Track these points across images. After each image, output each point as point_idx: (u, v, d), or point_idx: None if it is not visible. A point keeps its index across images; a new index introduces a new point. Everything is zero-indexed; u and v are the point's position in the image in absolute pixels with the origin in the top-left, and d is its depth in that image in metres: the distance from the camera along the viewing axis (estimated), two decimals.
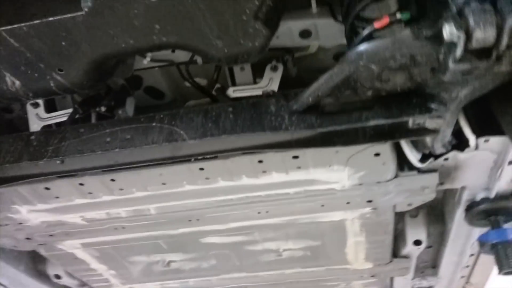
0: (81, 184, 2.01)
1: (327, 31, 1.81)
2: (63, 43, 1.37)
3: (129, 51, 1.40)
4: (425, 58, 1.22)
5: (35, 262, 3.00)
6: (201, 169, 1.92)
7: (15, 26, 1.33)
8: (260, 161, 1.87)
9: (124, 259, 2.72)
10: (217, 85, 1.89)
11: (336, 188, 2.05)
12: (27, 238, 2.43)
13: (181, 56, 1.97)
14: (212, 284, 3.03)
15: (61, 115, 2.02)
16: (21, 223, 2.30)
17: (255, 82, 1.90)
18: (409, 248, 2.60)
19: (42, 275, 3.06)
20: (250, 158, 1.85)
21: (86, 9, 1.28)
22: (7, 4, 1.33)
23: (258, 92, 1.86)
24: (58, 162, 1.75)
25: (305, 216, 2.27)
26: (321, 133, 1.54)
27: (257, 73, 1.93)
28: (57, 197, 2.10)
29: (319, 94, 1.40)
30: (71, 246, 2.54)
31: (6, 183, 1.82)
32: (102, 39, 1.36)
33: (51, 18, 1.31)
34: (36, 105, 2.04)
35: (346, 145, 1.62)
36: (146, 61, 1.89)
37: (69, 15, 1.29)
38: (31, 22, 1.32)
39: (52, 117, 2.02)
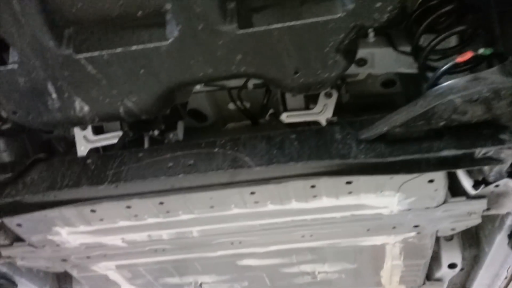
0: (128, 207, 1.99)
1: (382, 60, 1.83)
2: (141, 71, 1.38)
3: (205, 79, 1.41)
4: (509, 93, 1.24)
5: (59, 282, 2.97)
6: (252, 193, 1.91)
7: (96, 53, 1.33)
8: (313, 186, 1.88)
9: (156, 280, 2.69)
10: (271, 111, 1.90)
11: (383, 213, 2.05)
12: (63, 260, 2.40)
13: (232, 81, 1.98)
14: None
15: (109, 138, 2.01)
16: (58, 245, 2.27)
17: (307, 108, 1.91)
18: (443, 271, 2.61)
19: None
20: (304, 183, 1.86)
21: (171, 39, 1.28)
22: (90, 31, 1.33)
23: (312, 118, 1.87)
24: (113, 186, 1.74)
25: (348, 240, 2.27)
26: (387, 162, 1.56)
27: (308, 99, 1.94)
28: (102, 219, 2.08)
29: (395, 124, 1.41)
30: (105, 267, 2.51)
31: (54, 206, 1.80)
32: (182, 68, 1.36)
33: (134, 47, 1.31)
34: (84, 127, 2.03)
35: (408, 173, 1.63)
36: (199, 86, 1.90)
37: (153, 45, 1.30)
38: (113, 50, 1.32)
39: (100, 139, 2.01)
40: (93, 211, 2.02)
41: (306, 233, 2.20)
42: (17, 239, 2.32)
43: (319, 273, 2.63)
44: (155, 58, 1.34)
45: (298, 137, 1.62)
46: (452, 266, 2.58)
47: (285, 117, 1.89)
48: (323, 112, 1.86)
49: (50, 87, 1.42)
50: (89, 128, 2.03)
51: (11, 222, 2.10)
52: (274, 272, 2.62)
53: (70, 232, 2.18)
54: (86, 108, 1.50)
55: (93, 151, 2.01)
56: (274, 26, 1.28)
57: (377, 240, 2.28)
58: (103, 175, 1.68)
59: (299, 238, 2.23)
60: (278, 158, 1.58)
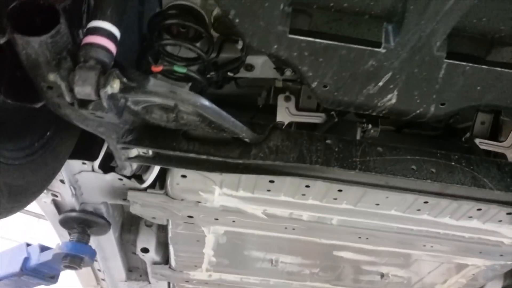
0: (307, 186, 2.04)
1: None
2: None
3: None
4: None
5: (123, 231, 2.87)
6: (426, 202, 2.08)
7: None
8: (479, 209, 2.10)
9: (243, 251, 2.72)
10: (467, 134, 2.08)
11: (504, 242, 2.35)
12: (189, 216, 2.35)
13: None
14: (290, 286, 3.14)
15: (311, 117, 2.04)
16: (199, 202, 2.23)
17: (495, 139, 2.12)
18: None
19: (124, 245, 2.93)
20: (499, 209, 2.04)
21: None
22: None
23: (500, 150, 2.09)
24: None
25: (453, 256, 2.54)
26: None
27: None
28: (269, 190, 2.10)
29: None
30: (215, 230, 2.49)
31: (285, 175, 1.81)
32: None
33: None
34: (288, 99, 2.03)
35: None
36: None
37: None
38: None
39: (301, 115, 2.03)
40: (271, 181, 2.03)
41: (428, 244, 2.42)
42: (150, 185, 2.22)
43: (392, 275, 2.87)
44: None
45: None
46: None
47: (478, 143, 2.08)
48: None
49: (394, 79, 1.46)
50: (293, 101, 2.04)
51: (178, 171, 2.02)
52: (355, 267, 2.81)
53: (224, 193, 2.15)
54: (394, 101, 1.56)
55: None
56: None
57: (472, 261, 2.58)
58: (351, 161, 1.73)
59: (420, 247, 2.45)
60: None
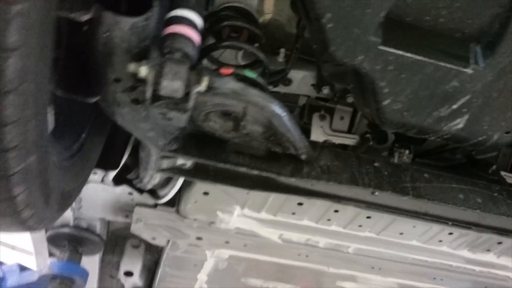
0: (336, 211, 1.93)
1: None
2: None
3: None
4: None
5: (105, 252, 2.60)
6: (450, 233, 2.04)
7: None
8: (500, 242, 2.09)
9: (240, 278, 2.54)
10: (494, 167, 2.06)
11: (510, 277, 2.35)
12: (198, 238, 2.15)
13: None
14: None
15: (346, 138, 1.95)
16: (213, 223, 2.05)
17: None
18: None
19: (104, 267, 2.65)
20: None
21: None
22: None
23: None
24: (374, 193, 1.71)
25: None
26: None
27: None
28: (294, 213, 1.97)
29: None
30: (219, 254, 2.30)
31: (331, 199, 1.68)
32: None
33: None
34: (323, 118, 1.93)
35: None
36: None
37: None
38: None
39: (335, 136, 1.94)
40: (300, 204, 1.91)
41: (439, 277, 2.38)
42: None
43: None
44: None
45: None
46: None
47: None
48: None
49: (470, 102, 1.41)
50: (327, 121, 1.94)
51: (200, 188, 1.85)
52: None
53: (243, 215, 2.00)
54: (461, 125, 1.50)
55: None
56: None
57: None
58: (402, 186, 1.65)
59: (430, 279, 2.39)
60: None
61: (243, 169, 1.50)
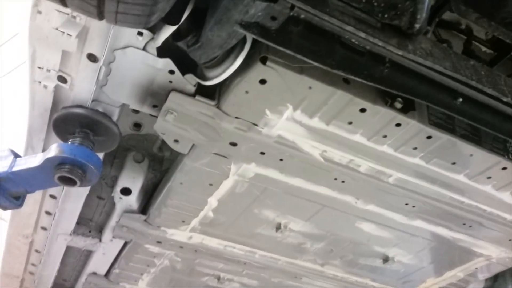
0: (397, 124, 1.74)
1: None
2: None
3: None
4: None
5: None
6: (504, 168, 1.92)
7: None
8: None
9: (253, 208, 2.29)
10: None
11: None
12: (232, 143, 1.87)
13: None
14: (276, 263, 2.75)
15: None
16: (256, 125, 1.79)
17: None
18: None
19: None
20: None
21: None
22: None
23: None
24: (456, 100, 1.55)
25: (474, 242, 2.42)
26: None
27: None
28: (350, 123, 1.75)
29: None
30: (244, 171, 2.04)
31: None
32: None
33: None
34: None
35: None
36: None
37: None
38: None
39: None
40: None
41: (468, 223, 2.27)
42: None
43: (397, 261, 2.65)
44: None
45: None
46: None
47: None
48: None
49: None
50: None
51: (258, 73, 1.59)
52: (362, 247, 2.55)
53: (293, 118, 1.76)
54: None
55: None
56: None
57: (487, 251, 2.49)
58: (500, 88, 1.49)
59: (460, 225, 2.27)
60: None
61: (349, 28, 1.26)
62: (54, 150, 1.66)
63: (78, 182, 1.68)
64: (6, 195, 1.79)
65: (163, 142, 2.21)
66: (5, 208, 1.86)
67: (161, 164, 2.34)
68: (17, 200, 1.84)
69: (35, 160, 1.69)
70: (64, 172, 1.65)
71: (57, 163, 1.66)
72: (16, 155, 1.78)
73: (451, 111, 1.56)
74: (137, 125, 2.12)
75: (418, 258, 2.61)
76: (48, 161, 1.65)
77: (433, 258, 2.59)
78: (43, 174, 1.70)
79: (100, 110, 1.77)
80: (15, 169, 1.71)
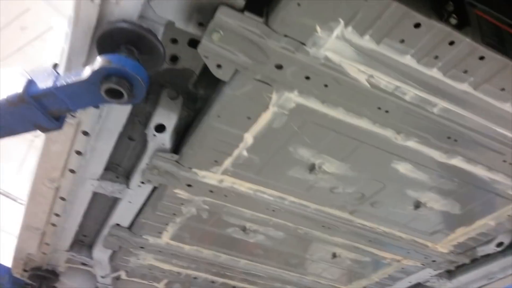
0: (451, 43, 1.70)
1: None
2: None
3: None
4: None
5: None
6: None
7: None
8: None
9: (288, 145, 2.25)
10: None
11: None
12: (277, 66, 1.83)
13: None
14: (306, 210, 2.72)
15: None
16: (304, 44, 1.75)
17: None
18: None
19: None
20: None
21: None
22: None
23: None
24: None
25: None
26: None
27: None
28: (402, 41, 1.71)
29: None
30: (285, 102, 2.00)
31: None
32: None
33: None
34: None
35: None
36: None
37: None
38: None
39: None
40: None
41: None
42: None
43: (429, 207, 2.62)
44: None
45: None
46: None
47: None
48: None
49: None
50: None
51: None
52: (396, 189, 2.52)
53: (343, 37, 1.72)
54: None
55: None
56: None
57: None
58: None
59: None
60: None
61: None
62: (100, 61, 1.61)
63: (126, 96, 1.63)
64: (47, 114, 1.74)
65: (199, 78, 2.18)
66: (44, 130, 1.82)
67: (195, 102, 2.30)
68: (57, 121, 1.79)
69: (81, 74, 1.65)
70: (112, 83, 1.60)
71: (104, 74, 1.61)
72: (58, 73, 1.74)
73: None
74: (174, 59, 2.08)
75: (451, 204, 2.58)
76: (95, 73, 1.61)
77: (466, 203, 2.56)
78: (88, 89, 1.66)
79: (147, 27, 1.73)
80: (59, 84, 1.66)
